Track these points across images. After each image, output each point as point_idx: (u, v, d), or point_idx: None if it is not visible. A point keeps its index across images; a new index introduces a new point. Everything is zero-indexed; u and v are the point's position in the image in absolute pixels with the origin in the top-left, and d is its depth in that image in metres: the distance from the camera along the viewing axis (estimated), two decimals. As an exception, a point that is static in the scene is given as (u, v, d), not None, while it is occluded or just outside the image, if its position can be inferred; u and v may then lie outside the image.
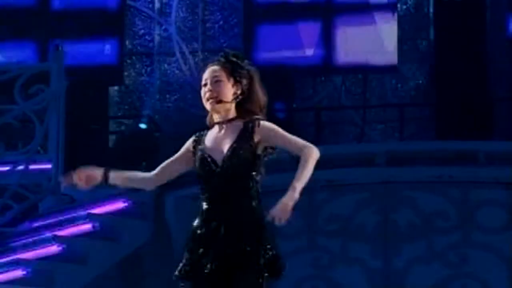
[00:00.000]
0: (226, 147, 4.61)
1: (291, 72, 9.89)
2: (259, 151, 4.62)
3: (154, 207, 8.69)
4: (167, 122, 10.00)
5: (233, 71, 4.67)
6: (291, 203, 4.58)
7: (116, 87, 10.19)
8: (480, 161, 8.49)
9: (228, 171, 4.59)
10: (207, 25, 10.16)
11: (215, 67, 4.69)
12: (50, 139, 8.61)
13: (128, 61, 10.22)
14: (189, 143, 4.69)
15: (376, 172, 8.50)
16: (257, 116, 4.62)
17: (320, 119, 10.05)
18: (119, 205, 8.46)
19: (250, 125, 4.61)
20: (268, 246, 4.58)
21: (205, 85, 4.68)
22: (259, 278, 4.53)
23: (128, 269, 8.55)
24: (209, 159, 4.60)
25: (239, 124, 4.63)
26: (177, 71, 10.16)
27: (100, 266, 8.30)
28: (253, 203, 4.62)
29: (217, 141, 4.64)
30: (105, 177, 4.72)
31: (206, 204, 4.60)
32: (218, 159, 4.60)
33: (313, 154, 4.71)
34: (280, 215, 4.54)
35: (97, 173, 4.71)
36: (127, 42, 10.16)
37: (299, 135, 10.33)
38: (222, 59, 4.70)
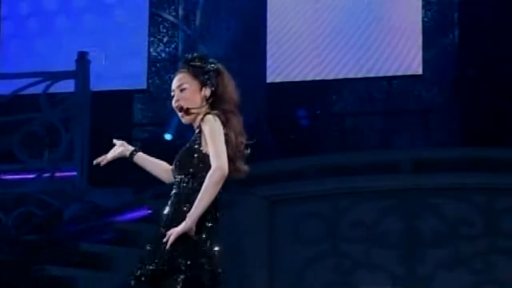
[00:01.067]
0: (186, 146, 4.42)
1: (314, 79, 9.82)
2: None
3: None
4: (189, 129, 9.94)
5: (197, 74, 4.40)
6: (179, 231, 4.21)
7: (140, 94, 10.17)
8: (504, 168, 8.37)
9: (176, 176, 4.39)
10: (231, 31, 10.12)
11: (179, 75, 4.43)
12: (75, 147, 8.58)
13: (153, 68, 10.20)
14: None
15: (401, 179, 8.39)
16: (213, 112, 4.31)
17: (344, 126, 9.98)
18: (144, 212, 8.40)
19: (207, 124, 4.30)
20: (189, 263, 4.25)
21: (173, 96, 4.42)
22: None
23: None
24: (174, 163, 4.42)
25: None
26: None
27: (125, 273, 8.21)
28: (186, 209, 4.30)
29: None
30: (132, 153, 4.55)
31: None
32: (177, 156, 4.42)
33: (208, 182, 4.26)
34: (169, 238, 4.24)
35: (125, 146, 4.56)
36: (151, 49, 10.14)
37: (323, 142, 10.27)
38: (184, 65, 4.45)
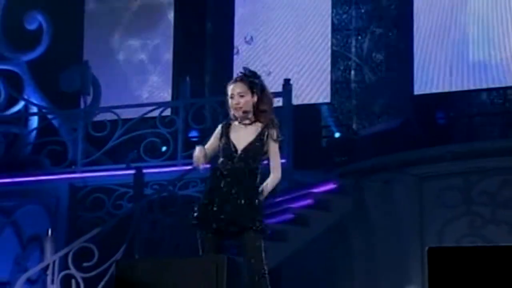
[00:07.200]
0: (246, 141, 4.47)
1: None
2: (266, 150, 4.48)
3: (353, 187, 8.51)
4: (361, 128, 9.92)
5: (251, 86, 4.47)
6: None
7: (326, 106, 10.19)
8: None
9: (246, 156, 4.46)
10: (387, 59, 10.00)
11: (240, 84, 4.51)
12: (284, 142, 8.57)
13: (334, 88, 10.21)
14: (218, 130, 4.56)
15: (515, 160, 8.01)
16: (272, 130, 4.47)
17: (472, 123, 9.64)
18: (331, 185, 8.36)
19: (266, 132, 4.46)
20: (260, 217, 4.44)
21: (232, 98, 4.51)
22: (260, 237, 4.45)
23: (335, 231, 8.41)
24: (232, 146, 4.48)
25: (258, 126, 4.47)
26: (367, 92, 10.08)
27: (318, 228, 8.21)
28: (256, 183, 4.46)
29: (241, 135, 4.50)
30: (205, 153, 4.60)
31: (223, 176, 4.46)
32: (239, 148, 4.47)
33: (272, 181, 4.52)
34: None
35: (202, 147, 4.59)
36: (333, 75, 10.15)
37: (456, 135, 9.90)
38: (244, 77, 4.52)
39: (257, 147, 4.45)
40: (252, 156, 4.44)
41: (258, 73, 4.59)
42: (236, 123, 4.52)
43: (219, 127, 4.55)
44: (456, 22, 9.50)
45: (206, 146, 4.56)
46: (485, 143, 8.53)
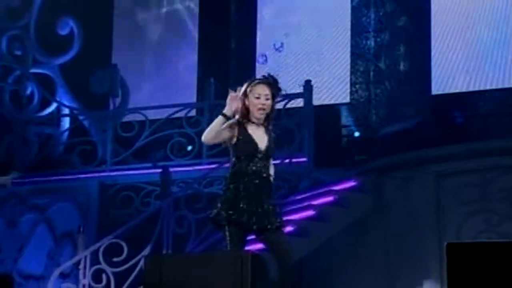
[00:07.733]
0: (265, 141, 4.57)
1: None
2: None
3: (374, 185, 8.46)
4: (380, 127, 9.89)
5: (273, 91, 4.54)
6: None
7: (345, 106, 10.16)
8: None
9: (266, 156, 4.57)
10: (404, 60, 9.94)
11: (267, 87, 4.57)
12: (304, 142, 8.62)
13: (353, 88, 10.16)
14: (234, 124, 4.54)
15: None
16: (273, 133, 4.65)
17: (487, 123, 9.55)
18: (351, 183, 8.33)
19: (272, 135, 4.63)
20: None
21: (258, 98, 4.54)
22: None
23: (356, 227, 8.36)
24: (254, 145, 4.54)
25: (264, 128, 4.58)
26: (386, 93, 10.02)
27: (338, 225, 8.19)
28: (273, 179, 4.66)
29: (258, 135, 4.57)
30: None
31: (247, 174, 4.50)
32: (261, 148, 4.55)
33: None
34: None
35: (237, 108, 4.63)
36: (352, 76, 10.11)
37: (472, 133, 9.81)
38: (271, 82, 4.58)
39: (271, 148, 4.62)
40: (270, 156, 4.61)
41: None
42: (247, 122, 4.58)
43: (234, 120, 4.57)
44: (473, 23, 9.44)
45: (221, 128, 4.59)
46: (501, 141, 8.46)
